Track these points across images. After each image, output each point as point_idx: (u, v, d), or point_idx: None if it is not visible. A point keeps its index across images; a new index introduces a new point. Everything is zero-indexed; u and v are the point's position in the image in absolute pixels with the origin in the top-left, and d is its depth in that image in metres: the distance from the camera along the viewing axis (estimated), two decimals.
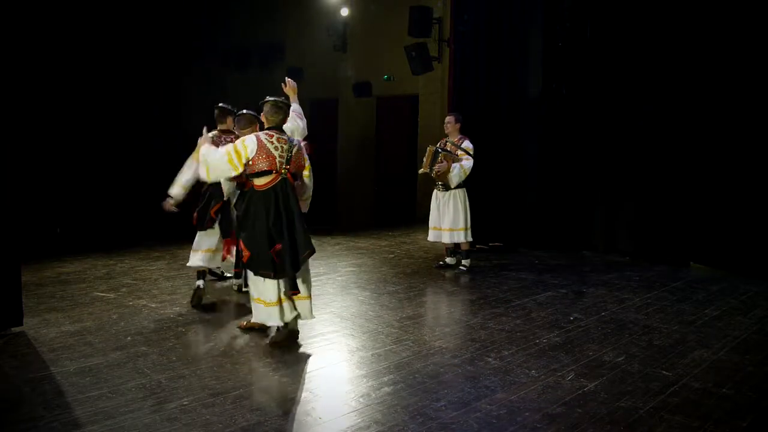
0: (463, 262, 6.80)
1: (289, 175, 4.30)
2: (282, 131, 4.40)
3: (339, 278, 6.32)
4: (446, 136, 6.84)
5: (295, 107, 4.99)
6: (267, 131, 4.33)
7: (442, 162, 6.47)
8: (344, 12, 11.30)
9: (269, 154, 4.21)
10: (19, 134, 5.59)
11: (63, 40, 7.90)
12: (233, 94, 11.64)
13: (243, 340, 4.45)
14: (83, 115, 8.22)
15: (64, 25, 7.93)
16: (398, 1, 10.33)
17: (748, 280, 6.32)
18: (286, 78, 5.16)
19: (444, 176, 6.53)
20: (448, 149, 6.58)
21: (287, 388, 3.60)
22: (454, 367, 3.95)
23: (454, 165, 6.48)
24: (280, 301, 4.29)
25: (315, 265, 6.53)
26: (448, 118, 6.82)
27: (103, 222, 8.11)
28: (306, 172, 4.52)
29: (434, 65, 10.02)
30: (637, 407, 3.37)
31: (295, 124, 4.88)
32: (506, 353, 4.20)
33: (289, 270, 4.18)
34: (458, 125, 6.75)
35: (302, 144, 4.52)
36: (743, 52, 6.42)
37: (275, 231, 4.19)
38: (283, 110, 4.43)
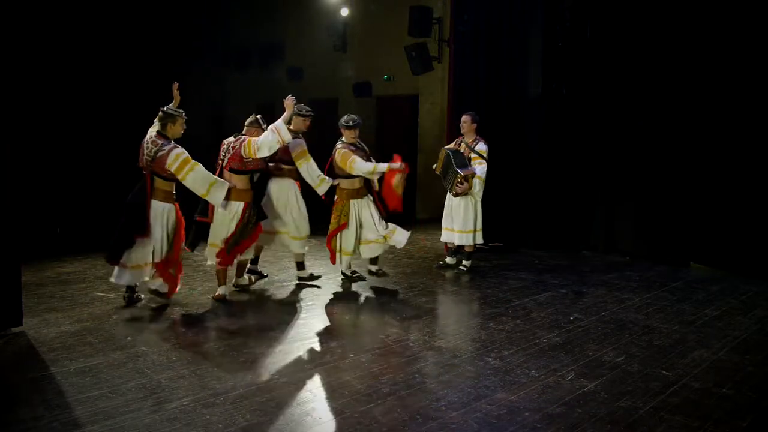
0: (464, 262, 6.80)
1: (148, 174, 5.02)
2: (163, 137, 5.05)
3: (339, 278, 6.32)
4: (461, 135, 6.81)
5: (277, 123, 5.19)
6: (155, 133, 5.09)
7: (462, 184, 6.41)
8: (344, 12, 11.28)
9: (142, 153, 5.08)
10: (19, 134, 5.59)
11: (63, 40, 7.90)
12: (233, 94, 11.66)
13: (243, 339, 4.45)
14: (83, 115, 8.21)
15: (64, 25, 7.92)
16: (398, 1, 10.32)
17: (748, 280, 6.32)
18: (289, 96, 5.35)
19: (465, 192, 6.51)
20: (462, 151, 6.56)
21: (287, 388, 3.60)
22: (454, 367, 3.96)
23: (474, 181, 6.44)
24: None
25: (315, 265, 6.56)
26: (464, 117, 6.70)
27: (103, 222, 8.09)
28: (179, 175, 4.98)
29: (434, 65, 10.01)
30: (637, 407, 3.38)
31: (264, 136, 5.12)
32: (506, 353, 4.20)
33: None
34: (474, 125, 6.65)
35: (172, 150, 4.98)
36: (743, 51, 6.42)
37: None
38: (162, 119, 5.10)
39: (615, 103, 7.49)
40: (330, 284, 6.10)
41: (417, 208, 10.70)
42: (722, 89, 6.61)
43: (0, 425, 3.10)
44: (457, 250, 6.90)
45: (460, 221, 6.62)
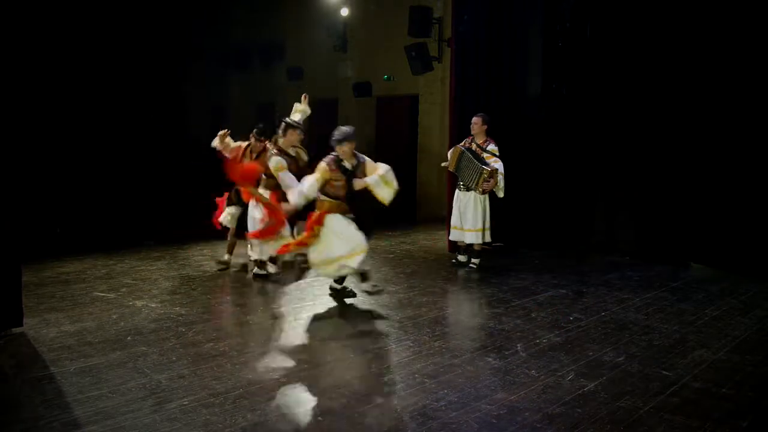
0: (473, 260, 6.84)
1: None
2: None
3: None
4: (470, 135, 6.82)
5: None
6: None
7: (488, 180, 6.42)
8: (344, 12, 11.29)
9: None
10: (20, 134, 5.60)
11: (63, 41, 7.91)
12: (233, 94, 11.67)
13: (243, 339, 4.45)
14: (83, 115, 8.22)
15: (65, 26, 7.93)
16: (398, 1, 10.33)
17: (748, 280, 6.32)
18: None
19: (489, 189, 6.55)
20: (474, 150, 6.59)
21: (287, 388, 3.60)
22: (454, 367, 3.95)
23: (498, 177, 6.47)
24: None
25: None
26: (475, 119, 6.74)
27: (103, 222, 8.11)
28: None
29: (434, 65, 10.01)
30: (637, 407, 3.37)
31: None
32: (506, 353, 4.20)
33: None
34: (485, 126, 6.70)
35: None
36: (743, 51, 6.42)
37: None
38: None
39: (615, 103, 7.49)
40: (329, 284, 6.09)
41: (417, 209, 10.70)
42: (722, 89, 6.61)
43: (0, 425, 3.10)
44: (467, 249, 6.93)
45: (471, 220, 6.67)
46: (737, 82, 6.50)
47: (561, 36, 7.77)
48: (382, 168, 5.24)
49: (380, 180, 5.15)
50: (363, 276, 5.58)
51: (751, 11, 6.35)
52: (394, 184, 5.23)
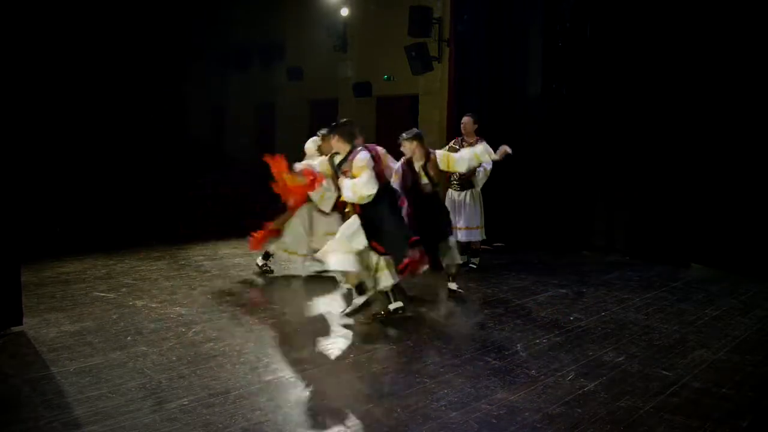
0: (472, 260, 6.83)
1: None
2: None
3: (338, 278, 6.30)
4: (458, 136, 6.83)
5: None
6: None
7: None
8: (344, 12, 11.29)
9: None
10: (20, 134, 5.60)
11: (63, 41, 7.91)
12: (233, 94, 11.66)
13: (243, 339, 4.45)
14: (83, 115, 8.23)
15: (65, 26, 7.93)
16: (398, 1, 10.32)
17: (748, 280, 6.32)
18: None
19: (468, 177, 6.59)
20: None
21: (287, 388, 3.60)
22: (454, 367, 3.95)
23: (478, 169, 6.51)
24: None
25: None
26: (465, 119, 6.76)
27: (103, 222, 8.11)
28: None
29: (434, 65, 10.01)
30: (637, 407, 3.38)
31: None
32: (506, 353, 4.20)
33: None
34: (476, 126, 6.74)
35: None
36: (743, 51, 6.42)
37: None
38: None
39: (615, 103, 7.49)
40: (329, 285, 6.09)
41: None
42: (722, 89, 6.61)
43: (0, 425, 3.10)
44: (465, 249, 6.92)
45: (465, 218, 6.67)
46: (737, 82, 6.50)
47: (561, 36, 7.77)
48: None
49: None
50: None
51: (751, 11, 6.35)
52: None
